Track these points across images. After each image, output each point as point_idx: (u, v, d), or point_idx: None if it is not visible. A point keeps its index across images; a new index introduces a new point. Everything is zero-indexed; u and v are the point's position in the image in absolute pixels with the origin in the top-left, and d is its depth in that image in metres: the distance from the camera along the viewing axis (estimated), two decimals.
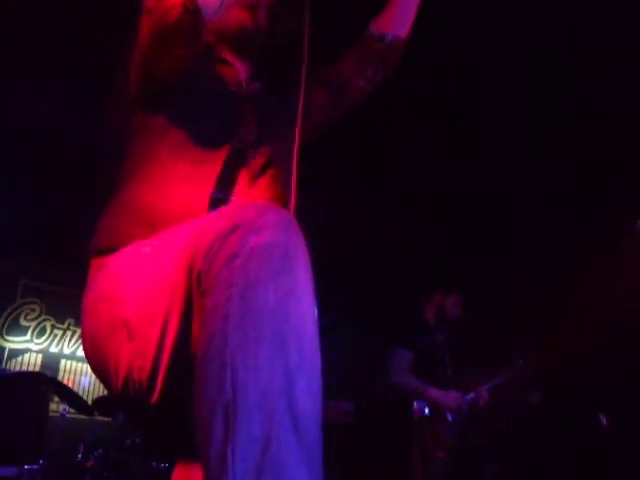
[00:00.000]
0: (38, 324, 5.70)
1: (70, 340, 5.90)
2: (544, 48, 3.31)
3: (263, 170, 1.26)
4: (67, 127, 4.02)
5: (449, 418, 3.07)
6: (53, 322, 5.82)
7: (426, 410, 3.04)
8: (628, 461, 3.92)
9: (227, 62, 1.36)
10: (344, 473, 4.79)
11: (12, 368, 5.42)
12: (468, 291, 3.82)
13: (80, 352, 5.96)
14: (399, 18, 1.49)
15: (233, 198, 1.17)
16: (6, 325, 5.50)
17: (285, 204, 1.25)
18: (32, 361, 5.64)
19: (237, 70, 1.37)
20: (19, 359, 5.55)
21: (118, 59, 1.27)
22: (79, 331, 5.99)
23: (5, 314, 5.51)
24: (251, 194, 1.20)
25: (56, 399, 4.55)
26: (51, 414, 4.63)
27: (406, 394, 3.11)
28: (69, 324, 5.92)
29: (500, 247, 4.97)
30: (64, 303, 5.90)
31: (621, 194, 4.24)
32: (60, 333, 5.84)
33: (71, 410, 4.31)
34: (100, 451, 3.69)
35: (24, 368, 5.53)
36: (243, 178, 1.22)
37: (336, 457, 4.86)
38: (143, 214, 1.14)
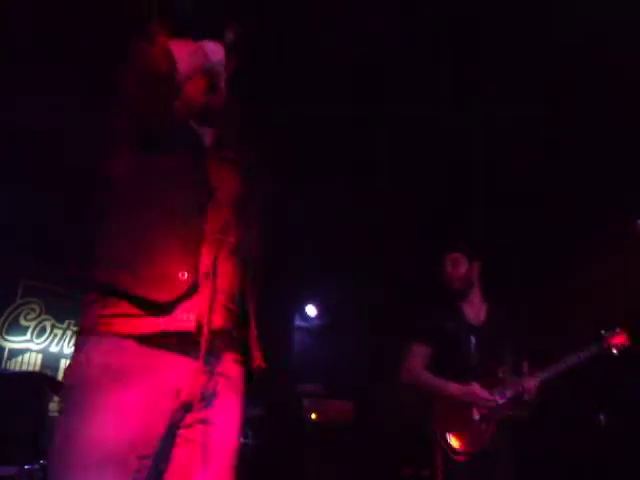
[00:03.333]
0: (38, 324, 5.70)
1: (70, 340, 5.89)
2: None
3: (225, 228, 1.41)
4: (67, 128, 4.02)
5: (475, 416, 2.70)
6: (53, 322, 5.82)
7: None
8: (628, 461, 3.92)
9: (191, 127, 1.47)
10: (344, 473, 4.78)
11: (12, 368, 5.42)
12: None
13: None
14: None
15: (204, 251, 1.34)
16: (6, 325, 5.49)
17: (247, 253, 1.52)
18: (32, 361, 5.63)
19: (201, 135, 1.48)
20: (19, 359, 5.54)
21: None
22: None
23: (5, 314, 5.50)
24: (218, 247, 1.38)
25: (56, 399, 4.55)
26: (51, 414, 4.63)
27: (423, 390, 2.79)
28: (69, 324, 5.91)
29: (499, 246, 4.96)
30: (64, 303, 5.90)
31: (621, 194, 4.24)
32: (60, 333, 5.83)
33: None
34: None
35: (24, 368, 5.52)
36: (211, 231, 1.37)
37: (336, 457, 4.86)
38: (128, 264, 1.28)
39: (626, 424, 4.08)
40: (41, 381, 4.50)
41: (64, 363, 5.87)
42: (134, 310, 1.24)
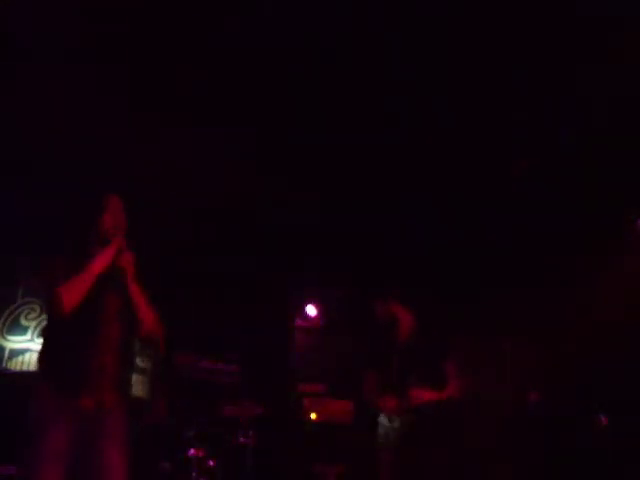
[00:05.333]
0: (39, 324, 5.70)
1: None
2: None
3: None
4: None
5: (395, 424, 3.19)
6: None
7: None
8: (628, 461, 3.92)
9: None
10: (344, 473, 4.79)
11: (12, 368, 5.42)
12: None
13: None
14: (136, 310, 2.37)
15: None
16: (7, 325, 5.50)
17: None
18: (32, 361, 5.63)
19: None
20: (19, 359, 5.54)
21: None
22: None
23: (6, 314, 5.51)
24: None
25: None
26: None
27: (373, 407, 3.34)
28: None
29: (500, 249, 4.97)
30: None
31: (621, 194, 4.24)
32: None
33: None
34: None
35: (24, 368, 5.52)
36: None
37: (335, 457, 4.86)
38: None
39: (626, 424, 4.08)
40: None
41: None
42: None
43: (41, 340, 5.74)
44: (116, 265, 2.29)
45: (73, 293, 2.17)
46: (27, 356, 5.59)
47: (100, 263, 2.23)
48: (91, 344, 2.17)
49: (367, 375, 3.45)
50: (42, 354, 2.25)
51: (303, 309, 6.26)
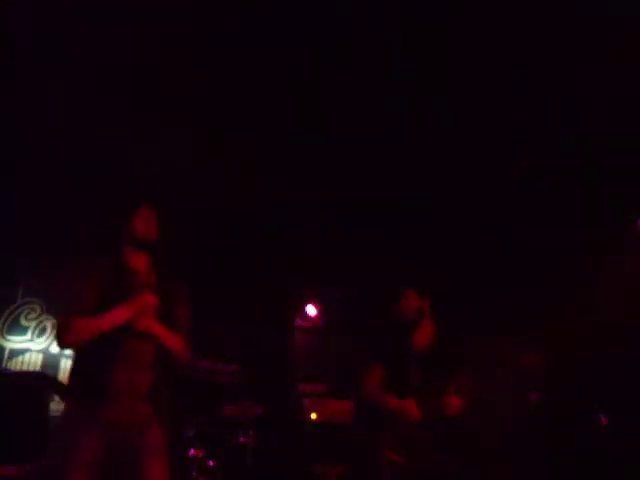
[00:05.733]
0: (39, 324, 5.70)
1: None
2: None
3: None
4: None
5: (410, 428, 2.98)
6: (54, 322, 5.82)
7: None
8: (628, 461, 3.92)
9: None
10: (344, 473, 4.79)
11: (12, 368, 5.42)
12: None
13: None
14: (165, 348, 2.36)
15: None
16: (7, 325, 5.50)
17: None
18: (33, 361, 5.63)
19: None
20: (19, 359, 5.54)
21: None
22: None
23: (6, 314, 5.51)
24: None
25: (57, 398, 4.55)
26: (51, 414, 4.63)
27: (374, 405, 3.04)
28: None
29: (500, 249, 4.97)
30: (64, 303, 5.89)
31: (621, 194, 4.24)
32: None
33: None
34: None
35: (25, 368, 5.52)
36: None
37: (335, 457, 4.86)
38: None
39: (626, 424, 4.08)
40: (42, 381, 4.50)
41: (64, 363, 5.87)
42: None
43: (41, 340, 5.75)
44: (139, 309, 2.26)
45: (79, 334, 2.15)
46: (27, 356, 5.59)
47: (116, 320, 2.16)
48: (120, 358, 2.16)
49: (370, 368, 3.11)
50: (72, 366, 2.26)
51: (303, 309, 6.26)
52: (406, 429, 2.97)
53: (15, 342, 5.53)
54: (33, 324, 5.66)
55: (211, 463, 3.98)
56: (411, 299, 3.17)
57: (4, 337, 5.46)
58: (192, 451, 3.92)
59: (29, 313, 5.65)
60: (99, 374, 2.13)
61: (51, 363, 5.73)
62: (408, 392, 2.99)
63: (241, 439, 4.27)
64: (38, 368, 5.60)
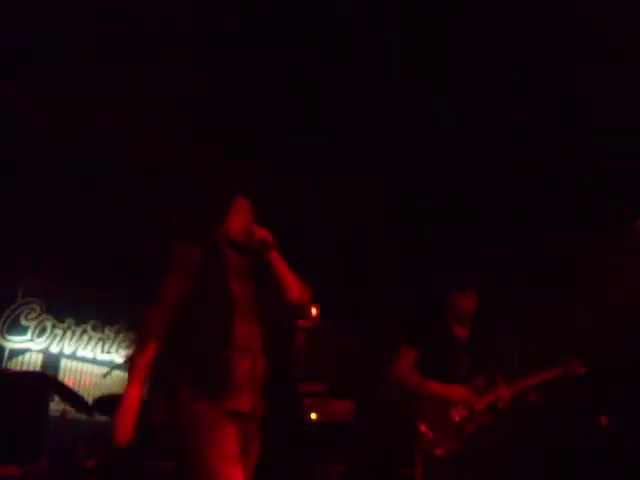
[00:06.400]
0: (38, 324, 5.70)
1: (70, 340, 5.89)
2: None
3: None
4: None
5: (456, 418, 2.92)
6: (53, 322, 5.82)
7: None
8: (628, 461, 3.92)
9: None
10: (344, 473, 4.79)
11: (12, 368, 5.42)
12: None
13: (80, 351, 5.96)
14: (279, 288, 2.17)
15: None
16: (7, 325, 5.50)
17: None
18: (32, 361, 5.64)
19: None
20: (19, 359, 5.55)
21: None
22: (79, 330, 5.99)
23: (6, 314, 5.51)
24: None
25: (57, 398, 4.55)
26: (52, 413, 4.63)
27: (408, 388, 3.00)
28: (69, 324, 5.92)
29: (499, 243, 4.97)
30: (65, 303, 5.90)
31: (621, 194, 4.24)
32: (60, 333, 5.84)
33: (72, 409, 4.31)
34: (101, 451, 3.69)
35: (24, 368, 5.53)
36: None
37: (335, 457, 4.86)
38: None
39: (626, 424, 4.08)
40: (41, 381, 4.50)
41: (64, 363, 5.88)
42: None
43: (41, 340, 5.74)
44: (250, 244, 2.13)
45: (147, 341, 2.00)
46: (27, 356, 5.60)
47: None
48: (234, 342, 2.01)
49: (404, 351, 3.03)
50: (178, 354, 2.08)
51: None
52: (450, 420, 2.89)
53: (15, 342, 5.53)
54: (33, 324, 5.66)
55: None
56: (469, 298, 3.16)
57: (4, 337, 5.46)
58: None
59: (29, 313, 5.66)
60: (219, 362, 1.98)
61: (51, 363, 5.74)
62: (456, 382, 2.95)
63: None
64: (38, 368, 5.60)
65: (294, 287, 2.18)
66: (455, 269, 3.51)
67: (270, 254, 2.15)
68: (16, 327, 5.55)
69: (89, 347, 6.04)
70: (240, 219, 2.20)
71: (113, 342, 6.23)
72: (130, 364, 2.02)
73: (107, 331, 6.22)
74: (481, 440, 2.91)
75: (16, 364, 5.50)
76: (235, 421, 1.99)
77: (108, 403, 4.37)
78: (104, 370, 5.45)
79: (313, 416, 5.31)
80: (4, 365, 5.38)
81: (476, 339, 3.16)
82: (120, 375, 5.95)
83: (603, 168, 4.13)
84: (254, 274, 2.17)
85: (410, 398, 3.01)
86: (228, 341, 1.99)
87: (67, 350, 5.87)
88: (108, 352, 6.18)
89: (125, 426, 1.88)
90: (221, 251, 2.16)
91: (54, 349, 5.80)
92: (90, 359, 6.04)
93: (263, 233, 2.15)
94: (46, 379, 4.61)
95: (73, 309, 5.95)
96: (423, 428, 2.89)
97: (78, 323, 5.98)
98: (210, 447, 1.87)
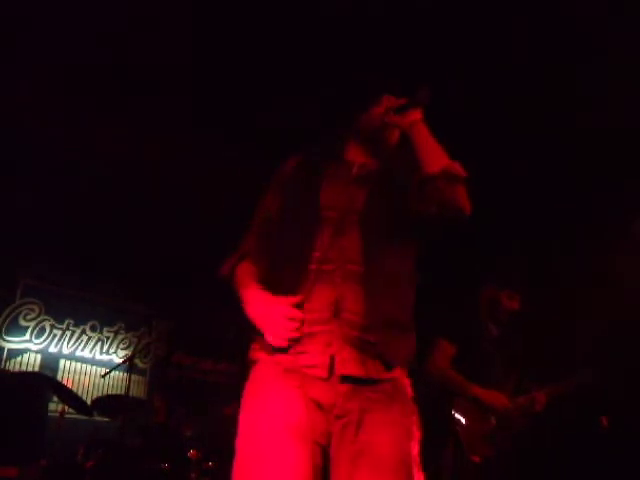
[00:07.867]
0: (37, 324, 5.69)
1: (69, 340, 5.88)
2: None
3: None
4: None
5: (493, 421, 2.88)
6: (52, 322, 5.81)
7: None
8: (628, 461, 3.92)
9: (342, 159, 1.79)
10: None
11: (11, 368, 5.41)
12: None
13: (79, 352, 5.95)
14: (420, 161, 1.69)
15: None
16: (5, 325, 5.49)
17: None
18: (31, 361, 5.63)
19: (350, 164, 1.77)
20: (18, 359, 5.53)
21: None
22: (78, 331, 5.99)
23: (4, 314, 5.50)
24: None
25: (56, 399, 4.54)
26: (51, 414, 4.62)
27: (448, 386, 2.90)
28: (68, 324, 5.91)
29: (499, 249, 4.96)
30: (63, 303, 5.89)
31: (621, 194, 4.24)
32: (59, 333, 5.83)
33: (71, 410, 4.30)
34: (100, 451, 3.68)
35: (23, 368, 5.52)
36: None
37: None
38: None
39: (626, 424, 4.08)
40: (40, 381, 4.49)
41: (63, 363, 5.86)
42: None
43: (40, 340, 5.73)
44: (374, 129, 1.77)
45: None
46: (26, 357, 5.58)
47: None
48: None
49: (440, 344, 2.94)
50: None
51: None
52: (487, 424, 2.84)
53: (14, 342, 5.52)
54: (32, 324, 5.65)
55: (210, 464, 3.97)
56: (515, 299, 3.12)
57: (3, 337, 5.45)
58: (191, 452, 3.90)
59: (28, 313, 5.65)
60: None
61: (50, 364, 5.73)
62: (489, 385, 2.89)
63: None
64: (37, 369, 5.59)
65: (440, 158, 1.70)
66: (504, 268, 3.39)
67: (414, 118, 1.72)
68: (15, 327, 5.54)
69: (88, 348, 6.03)
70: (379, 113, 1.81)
71: (112, 343, 6.22)
72: (228, 279, 1.77)
73: (106, 332, 6.21)
74: (510, 445, 2.89)
75: (15, 364, 5.49)
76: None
77: (107, 404, 4.37)
78: (103, 371, 5.45)
79: None
80: (3, 366, 5.37)
81: (506, 340, 3.12)
82: (119, 376, 5.95)
83: (603, 168, 4.13)
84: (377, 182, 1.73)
85: (447, 395, 2.91)
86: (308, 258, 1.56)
87: (66, 350, 5.87)
88: (107, 353, 6.17)
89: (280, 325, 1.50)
90: (336, 150, 1.82)
91: (53, 349, 5.79)
92: (89, 360, 6.03)
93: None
94: (45, 379, 4.60)
95: (72, 310, 5.94)
96: (460, 429, 2.82)
97: (77, 324, 5.97)
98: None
